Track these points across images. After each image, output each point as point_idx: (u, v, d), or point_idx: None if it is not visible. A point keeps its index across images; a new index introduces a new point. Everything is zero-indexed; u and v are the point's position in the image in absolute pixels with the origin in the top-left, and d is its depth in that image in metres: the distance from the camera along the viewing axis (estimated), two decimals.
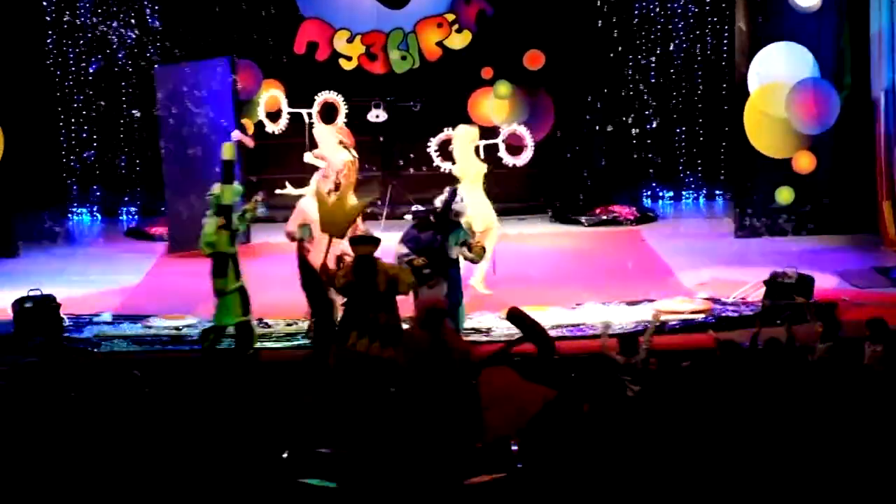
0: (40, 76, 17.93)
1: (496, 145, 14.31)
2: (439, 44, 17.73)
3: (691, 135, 18.65)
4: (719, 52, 18.30)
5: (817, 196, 16.08)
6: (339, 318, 10.72)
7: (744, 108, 15.57)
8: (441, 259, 11.44)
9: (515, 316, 9.69)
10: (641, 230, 17.18)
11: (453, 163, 14.02)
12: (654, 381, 9.34)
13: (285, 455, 8.20)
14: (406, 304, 10.82)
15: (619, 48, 18.20)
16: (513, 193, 16.63)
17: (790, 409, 8.49)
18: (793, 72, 15.40)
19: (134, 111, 18.15)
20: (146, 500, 7.90)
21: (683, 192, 18.87)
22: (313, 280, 11.00)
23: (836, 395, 8.79)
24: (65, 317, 12.71)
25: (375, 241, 10.52)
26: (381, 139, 17.56)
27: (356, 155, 13.39)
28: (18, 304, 12.51)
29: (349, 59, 17.74)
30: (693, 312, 12.79)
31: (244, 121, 15.85)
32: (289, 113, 15.05)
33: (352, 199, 12.47)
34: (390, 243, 11.54)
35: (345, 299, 10.43)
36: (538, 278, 14.51)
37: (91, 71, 18.07)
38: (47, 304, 12.49)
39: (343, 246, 11.23)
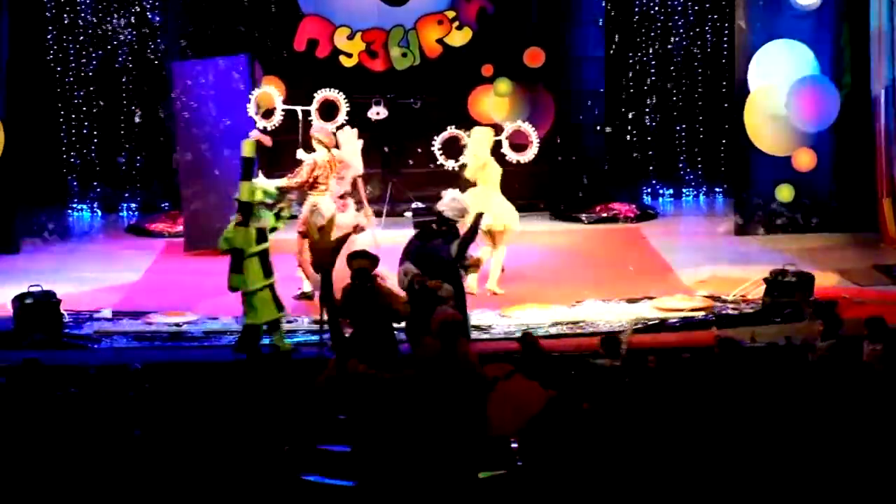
0: (41, 72, 17.91)
1: (499, 142, 14.30)
2: (440, 41, 17.70)
3: (691, 132, 18.65)
4: (719, 49, 18.30)
5: (817, 194, 16.09)
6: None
7: (744, 106, 15.57)
8: (451, 267, 11.21)
9: (529, 343, 9.87)
10: (641, 228, 17.16)
11: (456, 161, 14.01)
12: (654, 377, 9.34)
13: (289, 450, 8.23)
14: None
15: (620, 46, 18.22)
16: (513, 191, 16.59)
17: (790, 407, 8.50)
18: (793, 70, 15.40)
19: (134, 107, 18.15)
20: (148, 497, 7.91)
21: (684, 190, 18.87)
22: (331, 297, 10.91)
23: (836, 393, 8.79)
24: (65, 313, 12.68)
25: (373, 258, 10.49)
26: (383, 144, 17.55)
27: (335, 155, 13.29)
28: (19, 301, 12.50)
29: (349, 56, 17.70)
30: (693, 310, 12.80)
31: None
32: (283, 110, 14.96)
33: (341, 220, 12.44)
34: (390, 244, 11.47)
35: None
36: (538, 276, 14.50)
37: (92, 67, 18.10)
38: (48, 301, 12.48)
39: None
